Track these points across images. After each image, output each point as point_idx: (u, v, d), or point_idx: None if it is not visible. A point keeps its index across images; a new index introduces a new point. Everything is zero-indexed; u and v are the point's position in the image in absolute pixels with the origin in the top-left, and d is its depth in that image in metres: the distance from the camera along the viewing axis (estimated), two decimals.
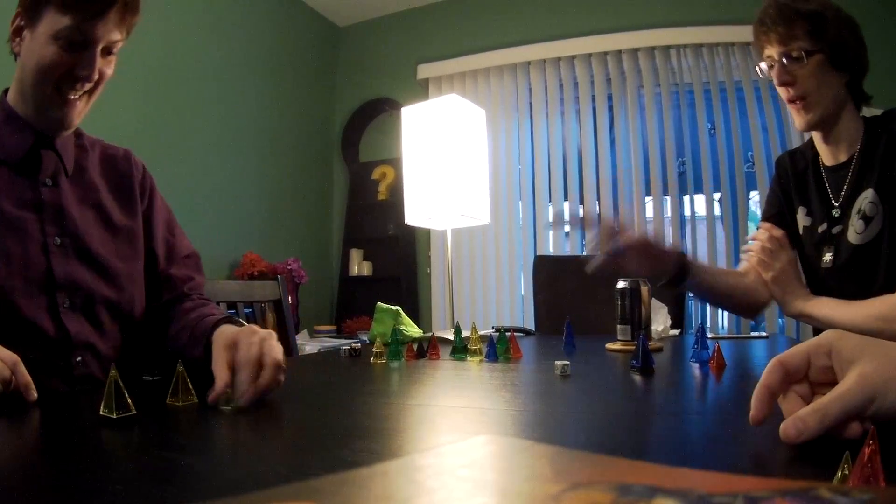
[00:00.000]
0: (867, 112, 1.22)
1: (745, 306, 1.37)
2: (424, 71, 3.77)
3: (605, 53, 3.38)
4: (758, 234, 1.30)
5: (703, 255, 3.23)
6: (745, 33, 3.11)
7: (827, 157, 1.25)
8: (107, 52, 0.89)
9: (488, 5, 3.73)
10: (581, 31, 3.43)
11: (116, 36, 0.88)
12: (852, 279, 1.18)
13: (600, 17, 3.42)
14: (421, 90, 3.79)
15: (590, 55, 3.41)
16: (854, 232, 1.16)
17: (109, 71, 0.91)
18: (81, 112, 0.92)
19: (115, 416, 0.55)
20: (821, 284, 1.24)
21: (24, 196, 0.89)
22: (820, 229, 1.24)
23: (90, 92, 0.91)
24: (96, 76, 0.88)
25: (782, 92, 1.17)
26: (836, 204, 1.22)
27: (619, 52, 3.35)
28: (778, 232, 1.28)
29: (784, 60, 1.12)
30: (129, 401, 0.57)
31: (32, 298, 0.86)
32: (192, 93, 2.93)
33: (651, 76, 3.28)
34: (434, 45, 3.84)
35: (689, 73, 3.25)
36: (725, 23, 3.15)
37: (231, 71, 3.20)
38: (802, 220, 1.29)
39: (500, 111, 3.58)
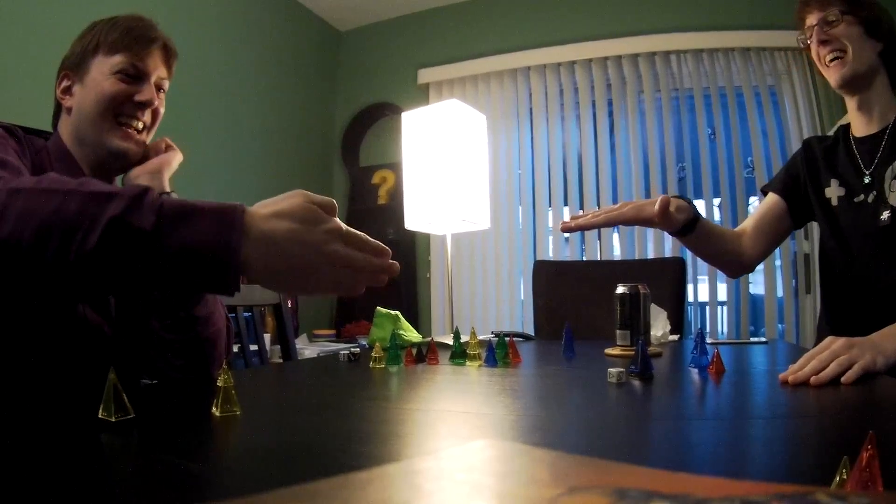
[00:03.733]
0: None
1: (732, 267, 1.49)
2: (425, 76, 3.78)
3: (606, 59, 3.39)
4: None
5: (702, 261, 3.23)
6: (745, 38, 3.13)
7: (858, 127, 1.30)
8: (157, 88, 0.96)
9: (489, 11, 3.74)
10: (581, 36, 3.44)
11: (164, 73, 0.96)
12: None
13: (600, 23, 3.43)
14: (421, 95, 3.80)
15: (590, 60, 3.42)
16: None
17: (162, 109, 0.97)
18: (141, 146, 0.96)
19: (113, 420, 0.55)
20: (877, 247, 1.24)
21: None
22: (857, 199, 1.28)
23: (148, 128, 0.97)
24: (156, 102, 0.94)
25: (821, 51, 1.24)
26: (867, 172, 1.26)
27: (620, 57, 3.36)
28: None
29: (825, 23, 1.22)
30: (128, 404, 0.57)
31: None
32: (193, 97, 2.94)
33: (651, 81, 3.29)
34: (435, 49, 3.85)
35: (689, 79, 3.26)
36: (726, 28, 3.16)
37: (232, 75, 3.21)
38: (836, 191, 1.32)
39: (501, 116, 3.58)
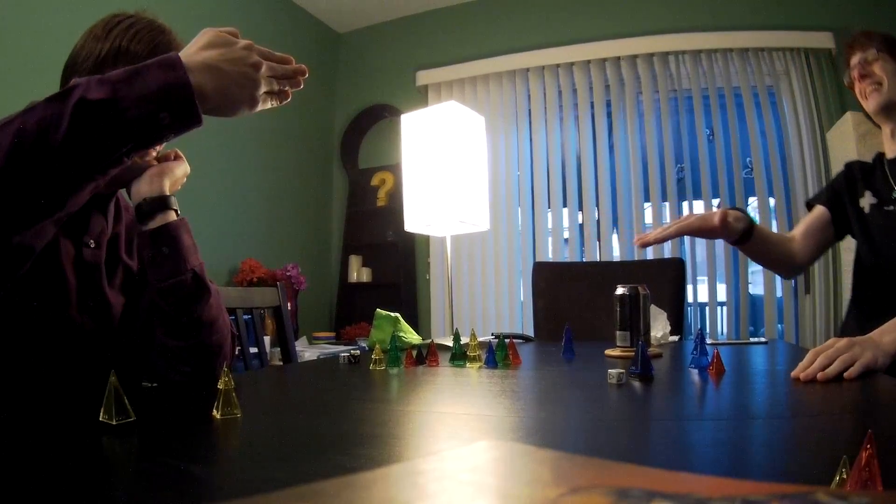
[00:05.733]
0: None
1: (785, 269, 1.62)
2: (423, 77, 3.78)
3: (604, 60, 3.39)
4: None
5: (701, 260, 3.24)
6: (743, 39, 3.14)
7: (891, 150, 1.43)
8: None
9: (487, 12, 3.75)
10: (580, 37, 3.44)
11: None
12: None
13: (599, 24, 3.43)
14: (420, 97, 3.80)
15: (588, 62, 3.43)
16: None
17: None
18: (155, 157, 0.97)
19: (114, 423, 0.55)
20: None
21: (67, 250, 0.89)
22: (886, 208, 1.41)
23: None
24: None
25: (861, 85, 1.39)
26: None
27: (618, 58, 3.36)
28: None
29: (866, 60, 1.38)
30: (129, 407, 0.57)
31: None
32: None
33: (650, 83, 3.30)
34: (433, 51, 3.85)
35: (687, 80, 3.26)
36: (724, 29, 3.17)
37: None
38: (868, 200, 1.45)
39: (500, 118, 3.59)
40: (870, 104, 1.39)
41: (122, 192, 1.01)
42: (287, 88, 0.84)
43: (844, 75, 1.47)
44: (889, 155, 1.44)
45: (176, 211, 0.95)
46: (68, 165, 0.66)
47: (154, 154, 0.97)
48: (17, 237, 0.69)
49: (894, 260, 1.38)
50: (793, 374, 0.87)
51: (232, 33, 0.76)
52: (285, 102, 0.85)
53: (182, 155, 1.03)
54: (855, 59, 1.41)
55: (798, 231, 1.59)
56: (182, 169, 1.01)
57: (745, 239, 1.45)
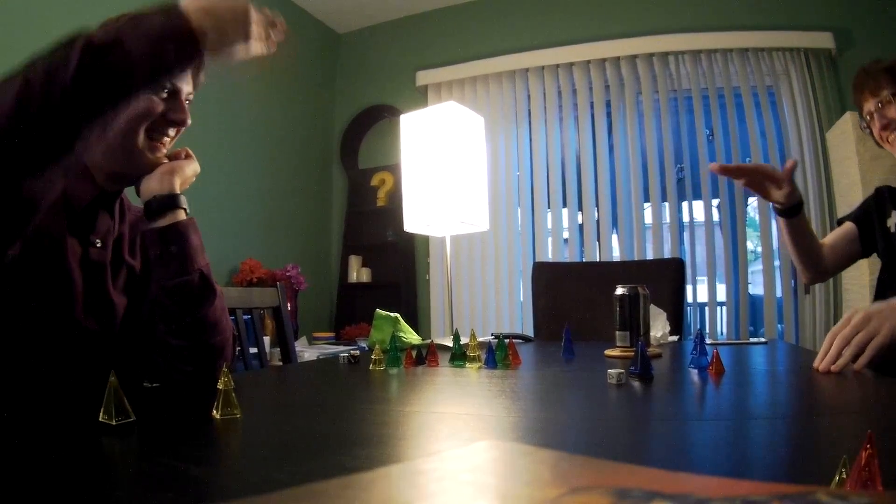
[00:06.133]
0: None
1: (812, 268, 1.60)
2: (423, 78, 3.78)
3: (604, 60, 3.39)
4: None
5: (701, 261, 3.24)
6: (743, 39, 3.14)
7: None
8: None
9: (487, 13, 3.75)
10: (579, 37, 3.44)
11: (190, 88, 0.97)
12: None
13: (599, 24, 3.43)
14: (420, 97, 3.81)
15: (588, 62, 3.43)
16: None
17: (189, 121, 0.98)
18: (165, 154, 0.97)
19: (114, 423, 0.55)
20: None
21: (74, 249, 0.89)
22: None
23: (172, 139, 0.97)
24: (189, 121, 0.95)
25: (884, 134, 1.38)
26: None
27: (618, 58, 3.36)
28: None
29: (880, 106, 1.36)
30: (129, 407, 0.57)
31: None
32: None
33: (649, 83, 3.30)
34: (433, 52, 3.85)
35: (687, 80, 3.26)
36: (724, 29, 3.17)
37: (230, 76, 3.21)
38: (894, 219, 1.47)
39: (499, 118, 3.59)
40: (893, 151, 1.40)
41: (125, 191, 1.01)
42: (272, 38, 0.91)
43: (860, 120, 1.47)
44: None
45: (185, 210, 0.95)
46: (77, 106, 0.68)
47: (164, 151, 0.97)
48: (25, 186, 0.71)
49: None
50: (815, 365, 0.89)
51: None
52: (272, 52, 0.91)
53: (192, 153, 1.03)
54: (870, 105, 1.40)
55: (827, 241, 1.61)
56: (192, 168, 1.01)
57: (796, 212, 1.46)
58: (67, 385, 0.87)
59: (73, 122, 0.70)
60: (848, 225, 1.60)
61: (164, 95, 0.92)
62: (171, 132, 0.96)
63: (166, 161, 0.97)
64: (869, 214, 1.56)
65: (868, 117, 1.41)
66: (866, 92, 1.39)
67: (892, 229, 1.48)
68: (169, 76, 0.77)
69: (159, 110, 0.91)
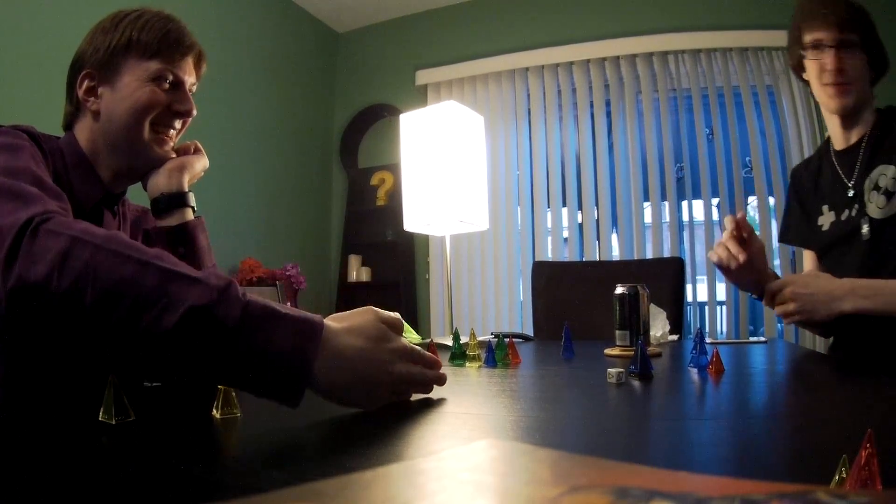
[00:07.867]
0: None
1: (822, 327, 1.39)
2: (423, 77, 3.78)
3: (604, 59, 3.39)
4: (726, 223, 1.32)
5: (701, 260, 3.24)
6: (743, 38, 3.14)
7: (839, 141, 1.33)
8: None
9: (487, 12, 3.75)
10: (579, 37, 3.44)
11: (194, 79, 0.96)
12: (881, 253, 1.22)
13: (598, 23, 3.43)
14: (419, 96, 3.80)
15: (588, 61, 3.43)
16: (875, 207, 1.22)
17: (195, 112, 0.97)
18: (172, 148, 0.96)
19: (114, 422, 0.56)
20: (862, 264, 1.25)
21: None
22: (843, 217, 1.30)
23: (178, 132, 0.96)
24: (194, 111, 0.94)
25: (829, 75, 1.22)
26: (850, 184, 1.28)
27: (618, 58, 3.36)
28: (740, 215, 1.29)
29: (839, 49, 1.20)
30: (129, 406, 0.57)
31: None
32: None
33: (649, 82, 3.30)
34: (433, 51, 3.85)
35: (686, 79, 3.26)
36: (723, 28, 3.17)
37: (230, 76, 3.21)
38: (828, 217, 1.35)
39: (499, 117, 3.59)
40: (833, 101, 1.24)
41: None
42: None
43: (801, 50, 1.28)
44: (838, 146, 1.33)
45: (193, 208, 0.94)
46: (137, 353, 0.57)
47: (172, 145, 0.96)
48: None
49: (854, 274, 1.21)
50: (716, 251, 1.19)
51: (394, 325, 0.67)
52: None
53: (201, 148, 1.02)
54: (824, 36, 1.22)
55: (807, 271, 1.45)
56: (202, 163, 1.00)
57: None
58: (68, 384, 0.87)
59: (137, 357, 0.59)
60: (808, 254, 1.45)
61: (167, 87, 0.91)
62: (178, 124, 0.94)
63: (174, 156, 0.96)
64: (799, 224, 1.43)
65: (815, 44, 1.23)
66: (831, 18, 1.20)
67: (826, 227, 1.35)
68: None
69: (163, 102, 0.90)
